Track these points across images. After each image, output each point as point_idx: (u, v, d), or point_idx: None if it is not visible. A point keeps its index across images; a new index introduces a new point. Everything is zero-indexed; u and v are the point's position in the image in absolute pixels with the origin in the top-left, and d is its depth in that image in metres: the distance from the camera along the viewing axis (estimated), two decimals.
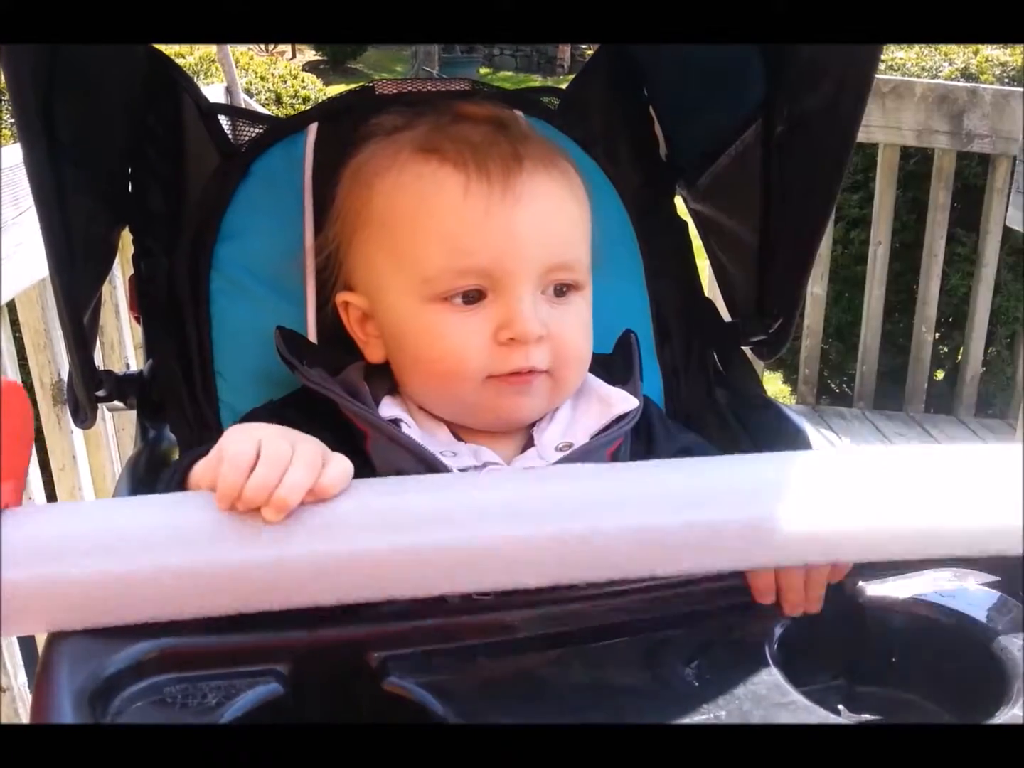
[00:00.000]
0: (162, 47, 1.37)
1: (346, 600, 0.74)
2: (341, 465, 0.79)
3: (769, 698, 0.79)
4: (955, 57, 4.25)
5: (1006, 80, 4.07)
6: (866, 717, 0.84)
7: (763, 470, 0.81)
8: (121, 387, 1.34)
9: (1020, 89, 3.76)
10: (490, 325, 1.03)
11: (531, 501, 0.78)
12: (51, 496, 2.21)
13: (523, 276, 1.04)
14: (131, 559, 0.72)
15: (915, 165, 3.91)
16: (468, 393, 1.05)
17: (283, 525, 0.73)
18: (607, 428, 1.09)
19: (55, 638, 0.75)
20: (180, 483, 0.89)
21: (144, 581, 0.72)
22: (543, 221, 1.06)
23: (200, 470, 0.84)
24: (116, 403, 1.36)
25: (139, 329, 1.41)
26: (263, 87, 4.91)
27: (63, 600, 0.72)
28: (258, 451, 0.77)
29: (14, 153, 1.75)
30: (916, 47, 4.39)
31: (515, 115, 1.22)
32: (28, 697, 1.96)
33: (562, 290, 1.08)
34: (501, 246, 1.03)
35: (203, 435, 1.24)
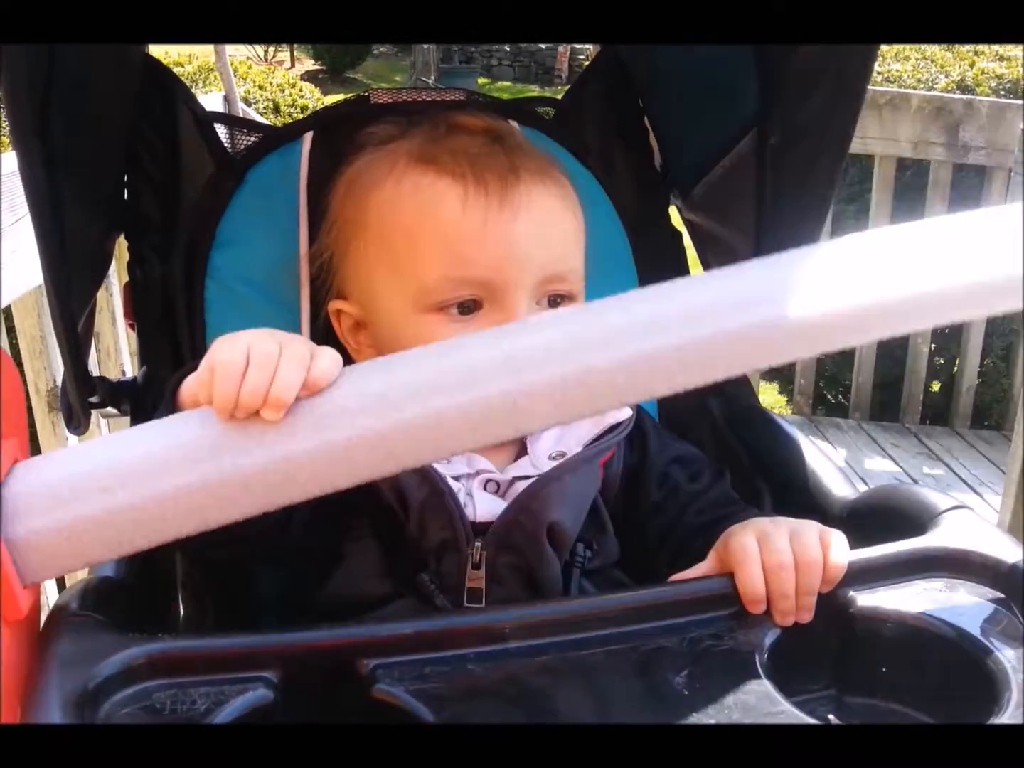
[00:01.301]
0: (160, 56, 1.38)
1: (358, 481, 0.75)
2: (329, 355, 0.79)
3: (759, 708, 0.79)
4: (951, 69, 4.27)
5: (1002, 92, 4.09)
6: None
7: (756, 274, 0.80)
8: (115, 393, 1.34)
9: (1016, 102, 3.78)
10: None
11: (524, 351, 0.76)
12: None
13: (520, 287, 1.04)
14: (148, 485, 0.73)
15: (911, 177, 3.93)
16: None
17: (284, 423, 0.74)
18: (600, 437, 1.09)
19: (45, 642, 0.75)
20: (170, 403, 0.89)
21: (165, 504, 0.73)
22: (540, 232, 1.07)
23: (192, 385, 0.85)
24: (110, 409, 1.36)
25: (135, 336, 1.41)
26: (261, 96, 4.92)
27: (92, 536, 0.73)
28: (247, 356, 0.77)
29: (10, 160, 1.75)
30: (912, 59, 4.41)
31: (510, 126, 1.23)
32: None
33: (556, 301, 1.09)
34: (499, 257, 1.04)
35: None
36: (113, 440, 0.82)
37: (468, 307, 1.05)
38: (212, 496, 0.74)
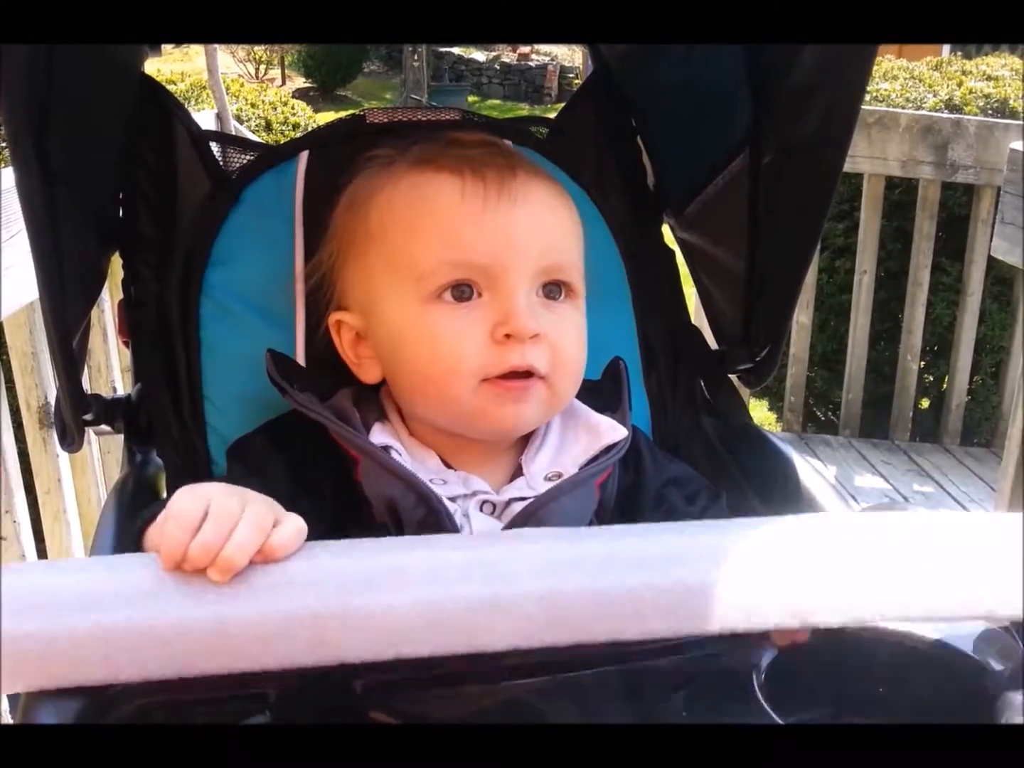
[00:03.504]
0: (152, 74, 1.38)
1: (291, 665, 0.70)
2: (293, 525, 0.76)
3: None
4: (939, 89, 4.30)
5: (990, 112, 4.11)
6: None
7: (738, 534, 0.78)
8: (109, 411, 1.34)
9: (1004, 121, 3.81)
10: (486, 323, 1.03)
11: (486, 563, 0.74)
12: (36, 519, 2.20)
13: (518, 274, 1.04)
14: (70, 618, 0.69)
15: (900, 195, 3.95)
16: (464, 397, 1.03)
17: (229, 585, 0.70)
18: (596, 458, 1.09)
19: None
20: (135, 543, 0.86)
21: (83, 641, 0.69)
22: (538, 221, 1.08)
23: (151, 531, 0.82)
24: (103, 427, 1.36)
25: (126, 353, 1.41)
26: (253, 114, 4.92)
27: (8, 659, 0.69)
28: (206, 510, 0.74)
29: (6, 177, 1.75)
30: (900, 79, 4.44)
31: (506, 143, 1.24)
32: (10, 721, 1.94)
33: (556, 292, 1.09)
34: (497, 243, 1.04)
35: (190, 460, 1.24)
36: (54, 567, 0.78)
37: (466, 293, 1.04)
38: (134, 643, 0.69)
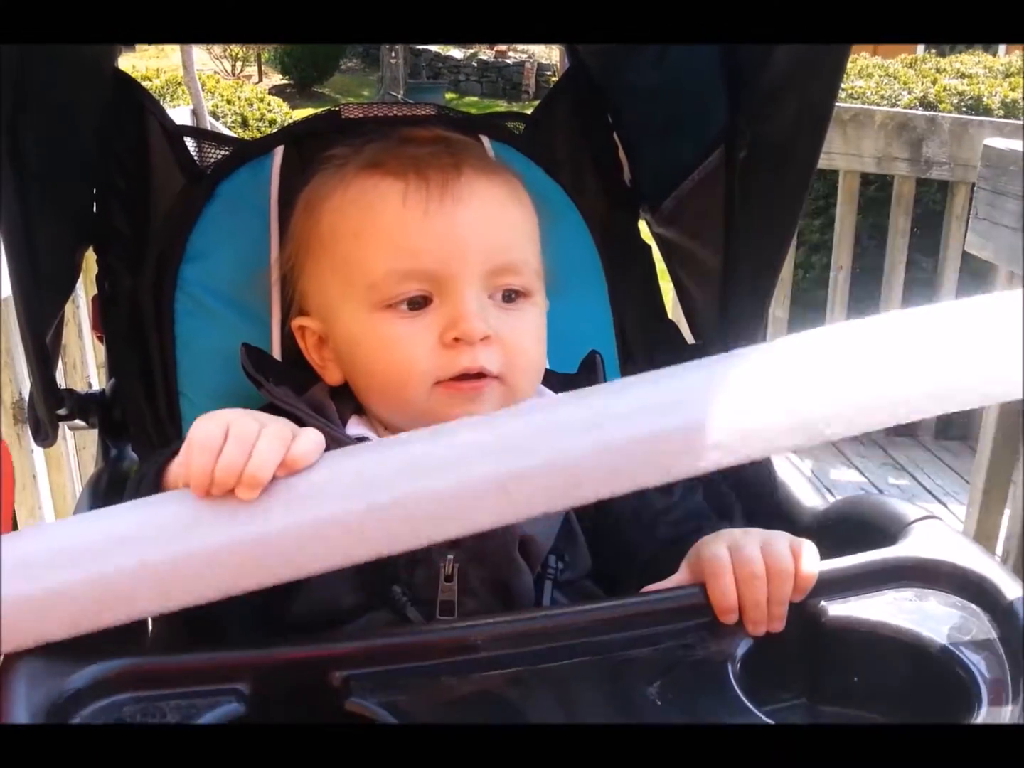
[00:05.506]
0: (127, 70, 1.37)
1: (331, 566, 0.74)
2: (311, 437, 0.78)
3: (731, 718, 0.79)
4: (914, 86, 4.33)
5: (964, 109, 4.14)
6: None
7: (711, 371, 0.81)
8: (83, 406, 1.33)
9: (977, 118, 3.83)
10: (436, 329, 1.04)
11: (497, 440, 0.77)
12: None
13: (466, 277, 1.04)
14: (116, 560, 0.72)
15: (875, 191, 3.97)
16: (419, 400, 1.04)
17: (259, 502, 0.73)
18: None
19: (12, 657, 0.74)
20: (155, 484, 0.89)
21: (132, 579, 0.72)
22: (483, 222, 1.08)
23: (175, 466, 0.85)
24: (77, 422, 1.35)
25: (102, 348, 1.40)
26: (229, 110, 4.90)
27: (57, 612, 0.73)
28: (225, 433, 0.78)
29: None
30: (876, 76, 4.47)
31: (460, 135, 1.23)
32: None
33: (511, 296, 1.09)
34: (442, 247, 1.04)
35: None
36: (86, 517, 0.81)
37: (417, 303, 1.05)
38: (179, 575, 0.73)
